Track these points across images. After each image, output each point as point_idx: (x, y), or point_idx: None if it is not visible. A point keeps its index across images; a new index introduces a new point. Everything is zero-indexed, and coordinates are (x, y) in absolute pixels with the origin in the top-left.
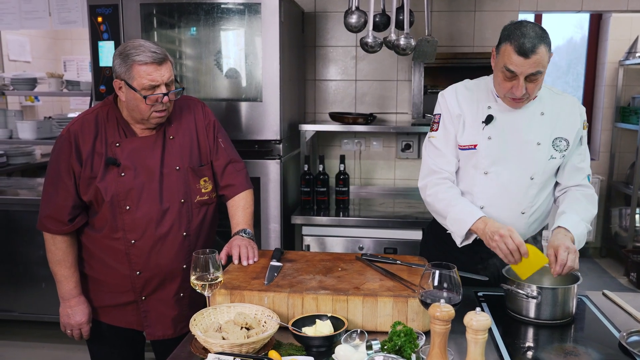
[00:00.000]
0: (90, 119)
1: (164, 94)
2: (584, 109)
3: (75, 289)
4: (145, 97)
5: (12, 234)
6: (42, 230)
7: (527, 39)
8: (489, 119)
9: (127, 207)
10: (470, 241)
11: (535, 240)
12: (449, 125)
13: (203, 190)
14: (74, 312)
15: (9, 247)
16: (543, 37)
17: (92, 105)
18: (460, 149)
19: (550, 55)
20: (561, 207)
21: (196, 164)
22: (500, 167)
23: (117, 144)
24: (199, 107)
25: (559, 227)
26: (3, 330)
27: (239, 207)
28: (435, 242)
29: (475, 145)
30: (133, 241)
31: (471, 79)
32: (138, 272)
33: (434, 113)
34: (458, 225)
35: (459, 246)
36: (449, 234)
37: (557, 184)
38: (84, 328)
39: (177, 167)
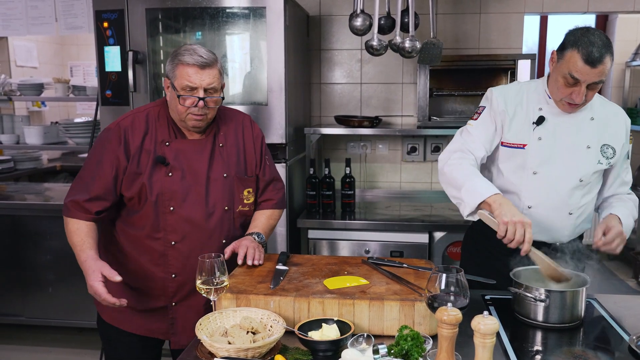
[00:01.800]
0: (141, 116)
1: (200, 98)
2: (629, 121)
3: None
4: (179, 96)
5: (20, 239)
6: (66, 215)
7: (596, 47)
8: (540, 120)
9: (171, 208)
10: (475, 218)
11: (577, 242)
12: (489, 120)
13: (245, 201)
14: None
15: (16, 251)
16: (609, 46)
17: (96, 111)
18: (504, 145)
19: (612, 64)
20: (609, 203)
21: (242, 173)
22: (550, 168)
23: (167, 143)
24: (248, 121)
25: (611, 214)
26: (10, 334)
27: (264, 215)
28: (477, 247)
29: (524, 145)
30: (173, 242)
31: (477, 80)
32: (173, 275)
33: (479, 105)
34: (472, 195)
35: (465, 218)
36: (488, 237)
37: (601, 194)
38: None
39: (225, 175)
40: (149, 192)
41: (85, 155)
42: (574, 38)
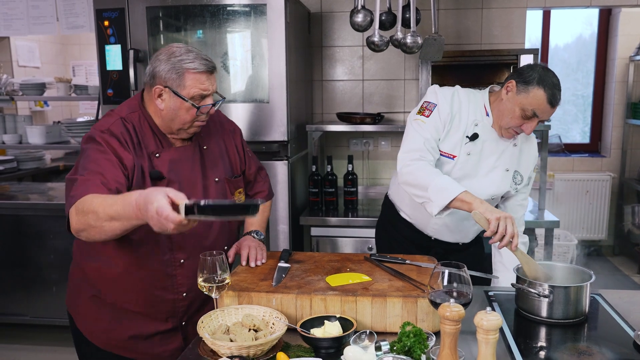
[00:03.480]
0: (126, 124)
1: (213, 105)
2: (537, 154)
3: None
4: (198, 108)
5: (23, 239)
6: (73, 202)
7: (558, 90)
8: (474, 137)
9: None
10: (444, 215)
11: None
12: (439, 121)
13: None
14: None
15: (20, 251)
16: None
17: (114, 109)
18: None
19: None
20: (503, 258)
21: (230, 174)
22: (468, 182)
23: (157, 155)
24: (221, 116)
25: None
26: (15, 334)
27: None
28: (387, 235)
29: (454, 156)
30: (182, 261)
31: (479, 76)
32: (184, 294)
33: (426, 100)
34: (441, 194)
35: (434, 216)
36: (398, 226)
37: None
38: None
39: (216, 179)
40: None
41: None
42: (538, 76)
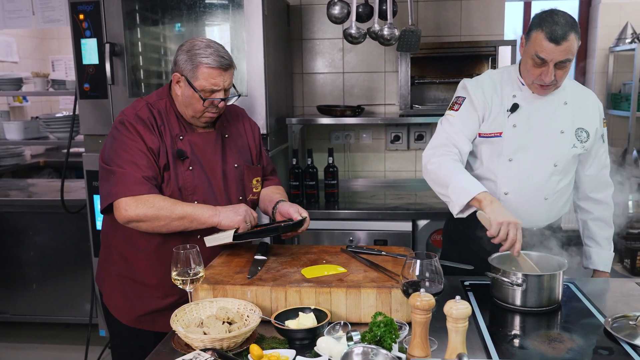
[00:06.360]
0: (152, 109)
1: (222, 99)
2: (601, 105)
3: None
4: (204, 100)
5: (3, 236)
6: (123, 195)
7: (559, 26)
8: (514, 107)
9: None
10: (465, 215)
11: (553, 229)
12: (472, 111)
13: (254, 190)
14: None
15: (0, 248)
16: (573, 25)
17: (145, 97)
18: (483, 136)
19: (579, 44)
20: (590, 230)
21: (250, 162)
22: (525, 154)
23: (181, 137)
24: (244, 112)
25: (598, 271)
26: None
27: (276, 192)
28: (459, 235)
29: (500, 133)
30: (199, 236)
31: (458, 67)
32: None
33: (456, 95)
34: (460, 194)
35: (455, 216)
36: (468, 225)
37: (583, 179)
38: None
39: (236, 165)
40: (173, 187)
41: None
42: (538, 20)
